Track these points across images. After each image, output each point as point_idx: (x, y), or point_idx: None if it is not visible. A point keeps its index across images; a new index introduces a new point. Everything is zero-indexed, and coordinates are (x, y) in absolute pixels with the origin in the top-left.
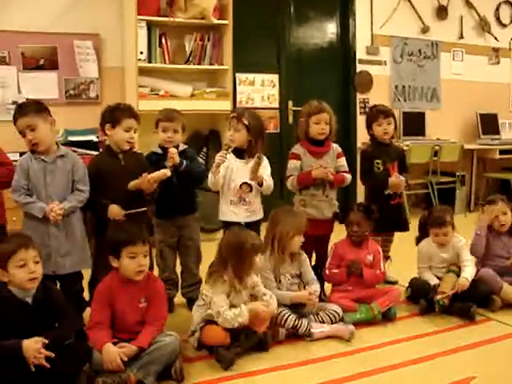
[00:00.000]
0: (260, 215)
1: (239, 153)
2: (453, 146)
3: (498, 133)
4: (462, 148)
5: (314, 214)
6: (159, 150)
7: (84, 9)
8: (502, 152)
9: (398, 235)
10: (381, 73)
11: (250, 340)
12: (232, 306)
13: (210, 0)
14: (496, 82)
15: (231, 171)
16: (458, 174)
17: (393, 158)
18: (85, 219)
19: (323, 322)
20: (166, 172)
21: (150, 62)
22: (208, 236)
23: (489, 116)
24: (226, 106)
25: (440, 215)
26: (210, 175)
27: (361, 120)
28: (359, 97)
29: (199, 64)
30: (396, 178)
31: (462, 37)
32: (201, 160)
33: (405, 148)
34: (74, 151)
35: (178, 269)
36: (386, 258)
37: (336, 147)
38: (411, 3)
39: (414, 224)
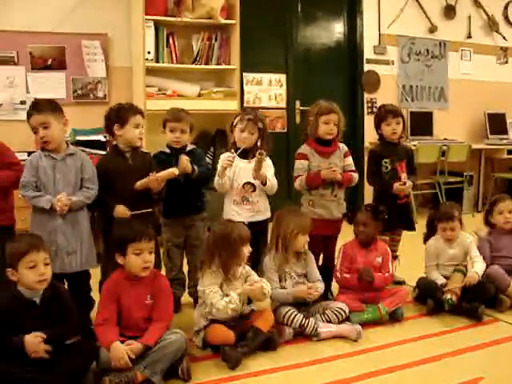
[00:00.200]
0: (266, 215)
1: (243, 153)
2: (461, 145)
3: (506, 133)
4: (470, 148)
5: (323, 213)
6: (167, 150)
7: (92, 9)
8: (510, 152)
9: (404, 236)
10: (388, 72)
11: (256, 339)
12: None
13: (218, 0)
14: (504, 81)
15: (234, 171)
16: (465, 174)
17: (401, 157)
18: (93, 218)
19: (330, 322)
20: (173, 171)
21: (157, 61)
22: None
23: (497, 116)
24: (233, 105)
25: (448, 210)
26: (216, 178)
27: (368, 120)
28: (366, 96)
29: (206, 64)
30: (400, 186)
31: (470, 36)
32: (208, 159)
33: (412, 148)
34: (82, 151)
35: (185, 268)
36: (394, 257)
37: (343, 146)
38: (419, 3)
39: (421, 224)
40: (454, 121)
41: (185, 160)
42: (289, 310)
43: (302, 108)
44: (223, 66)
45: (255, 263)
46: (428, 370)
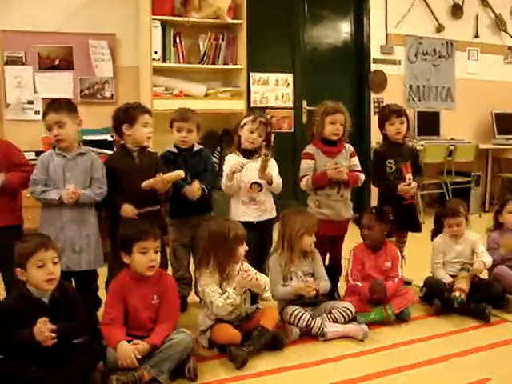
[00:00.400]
0: (272, 214)
1: (247, 153)
2: (468, 145)
3: None
4: (477, 148)
5: (330, 214)
6: (174, 149)
7: (99, 9)
8: None
9: (410, 236)
10: (395, 72)
11: (262, 338)
12: None
13: (224, 0)
14: None
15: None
16: (472, 174)
17: (405, 157)
18: (100, 218)
19: (336, 321)
20: (180, 173)
21: (164, 61)
22: None
23: (504, 115)
24: (240, 105)
25: (454, 206)
26: (224, 180)
27: (375, 120)
28: (373, 96)
29: (213, 63)
30: (404, 186)
31: (477, 36)
32: (215, 159)
33: (419, 148)
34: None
35: (192, 268)
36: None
37: (349, 147)
38: (426, 2)
39: (427, 224)
40: (461, 121)
41: (196, 188)
42: (295, 310)
43: (308, 108)
44: (230, 66)
45: (260, 262)
46: (435, 371)
